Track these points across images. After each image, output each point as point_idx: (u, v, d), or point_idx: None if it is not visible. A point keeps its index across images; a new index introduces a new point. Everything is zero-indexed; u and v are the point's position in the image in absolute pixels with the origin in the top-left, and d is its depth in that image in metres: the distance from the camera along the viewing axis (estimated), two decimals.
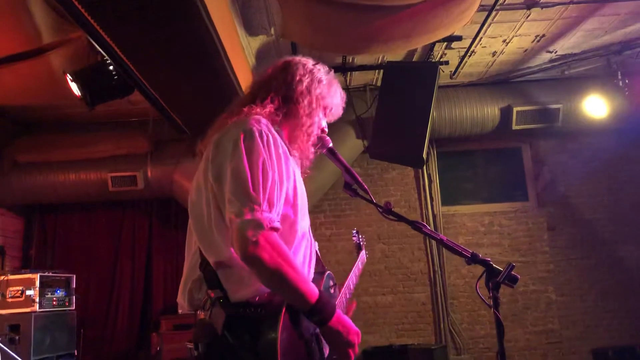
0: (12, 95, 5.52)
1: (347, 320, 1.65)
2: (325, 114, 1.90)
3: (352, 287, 2.09)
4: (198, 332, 1.62)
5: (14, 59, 4.73)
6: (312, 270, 1.80)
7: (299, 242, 1.70)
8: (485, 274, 1.62)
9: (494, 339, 7.02)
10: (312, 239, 1.85)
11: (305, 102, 1.79)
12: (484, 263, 1.61)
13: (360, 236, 2.74)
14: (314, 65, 1.90)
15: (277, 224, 1.54)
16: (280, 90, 1.80)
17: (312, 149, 1.84)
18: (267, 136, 1.63)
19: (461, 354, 7.07)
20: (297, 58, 1.91)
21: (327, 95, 1.86)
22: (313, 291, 1.56)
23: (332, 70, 1.95)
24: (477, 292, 1.65)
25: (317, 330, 1.63)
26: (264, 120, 1.68)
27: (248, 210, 1.51)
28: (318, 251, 1.96)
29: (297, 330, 1.56)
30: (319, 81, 1.85)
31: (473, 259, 1.63)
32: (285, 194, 1.64)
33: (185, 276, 1.71)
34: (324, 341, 1.67)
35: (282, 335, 1.49)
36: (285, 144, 1.74)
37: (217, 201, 1.61)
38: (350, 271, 2.17)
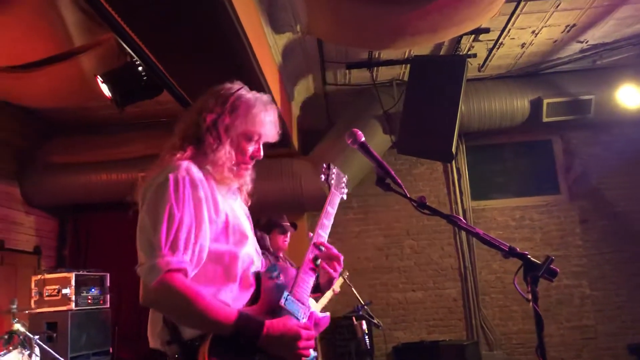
0: (45, 98, 5.63)
1: (283, 326, 1.63)
2: (249, 140, 1.87)
3: (320, 241, 1.92)
4: None
5: (46, 63, 4.83)
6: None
7: (235, 267, 1.73)
8: (522, 268, 1.58)
9: (526, 334, 6.97)
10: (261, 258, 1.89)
11: (211, 139, 1.80)
12: (522, 257, 1.58)
13: (330, 170, 2.14)
14: (232, 93, 1.87)
15: (177, 265, 1.56)
16: (193, 133, 1.83)
17: (238, 178, 1.85)
18: (183, 179, 1.66)
19: (493, 350, 7.00)
20: (216, 89, 1.91)
21: (241, 123, 1.84)
22: (227, 315, 1.58)
23: (260, 94, 1.92)
24: (515, 286, 1.63)
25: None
26: (184, 165, 1.71)
27: (147, 259, 1.58)
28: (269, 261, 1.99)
29: (228, 355, 1.58)
30: (232, 110, 1.83)
31: (510, 253, 1.61)
32: (211, 230, 1.69)
33: (150, 321, 1.76)
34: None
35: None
36: (214, 180, 1.78)
37: None
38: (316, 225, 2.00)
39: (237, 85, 1.92)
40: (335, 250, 1.91)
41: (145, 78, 4.79)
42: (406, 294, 7.24)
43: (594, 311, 7.02)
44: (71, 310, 5.60)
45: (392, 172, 1.88)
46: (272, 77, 4.97)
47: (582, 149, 7.44)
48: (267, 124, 1.88)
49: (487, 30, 5.62)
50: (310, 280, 1.85)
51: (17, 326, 4.67)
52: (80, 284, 5.82)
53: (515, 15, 5.30)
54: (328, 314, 1.99)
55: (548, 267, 1.55)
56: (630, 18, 5.60)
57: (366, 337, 4.83)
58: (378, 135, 6.65)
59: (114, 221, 7.60)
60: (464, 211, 7.33)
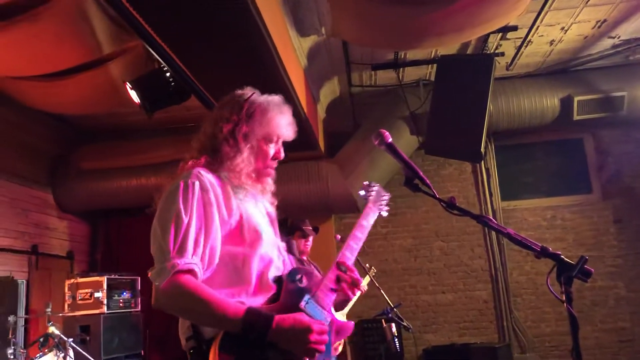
0: (75, 105, 5.75)
1: (293, 320, 1.62)
2: (269, 143, 1.89)
3: (344, 261, 1.91)
4: None
5: (77, 70, 4.93)
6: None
7: (249, 268, 1.73)
8: (556, 268, 1.55)
9: (560, 336, 6.84)
10: (285, 257, 1.91)
11: (227, 148, 1.83)
12: (555, 257, 1.55)
13: (370, 187, 2.21)
14: (246, 100, 1.89)
15: (185, 267, 1.60)
16: (209, 142, 1.87)
17: (258, 183, 1.88)
18: (193, 185, 1.70)
19: (526, 353, 6.88)
20: (229, 97, 1.94)
21: (260, 127, 1.86)
22: (235, 311, 1.59)
23: (271, 97, 1.94)
24: (549, 287, 1.59)
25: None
26: (195, 171, 1.74)
27: (157, 262, 1.64)
28: (294, 263, 1.97)
29: (239, 352, 1.59)
30: (248, 117, 1.85)
31: (543, 253, 1.57)
32: (224, 231, 1.71)
33: (180, 323, 1.79)
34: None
35: None
36: (231, 185, 1.80)
37: None
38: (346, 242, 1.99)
39: (248, 91, 1.94)
40: (357, 275, 1.91)
41: (173, 84, 4.86)
42: (436, 296, 7.17)
43: (630, 313, 6.85)
44: (103, 313, 5.70)
45: (421, 173, 1.86)
46: (297, 80, 4.98)
47: (615, 147, 7.27)
48: (284, 126, 1.91)
49: (514, 28, 5.54)
50: (332, 296, 1.85)
51: (52, 329, 4.77)
52: (112, 288, 5.92)
53: (543, 12, 5.21)
54: (352, 322, 1.97)
55: (582, 267, 1.51)
56: None
57: (396, 339, 4.80)
58: (405, 136, 6.61)
59: (145, 225, 7.64)
60: (494, 212, 7.24)
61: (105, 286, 5.79)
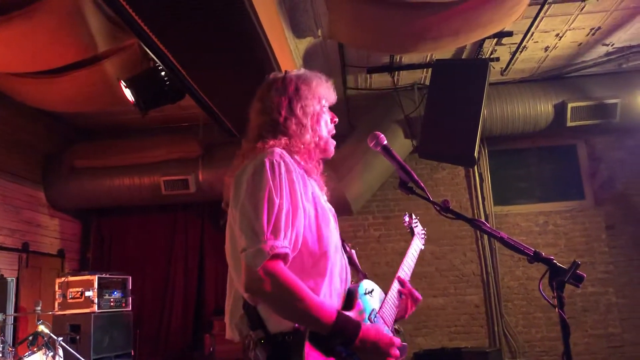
0: (69, 103, 5.72)
1: (377, 332, 1.61)
2: (323, 107, 1.94)
3: (403, 279, 2.02)
4: None
5: (71, 68, 4.91)
6: (347, 282, 1.80)
7: (326, 259, 1.69)
8: (548, 273, 1.55)
9: (550, 342, 6.86)
10: (343, 251, 1.87)
11: (293, 126, 1.82)
12: (547, 262, 1.56)
13: (413, 219, 2.51)
14: (282, 80, 1.89)
15: (282, 250, 1.55)
16: (275, 128, 1.83)
17: (327, 154, 1.93)
18: (279, 164, 1.66)
19: (516, 357, 6.90)
20: (265, 84, 1.93)
21: (311, 96, 1.89)
22: (328, 314, 1.55)
23: (302, 69, 1.98)
24: (541, 292, 1.60)
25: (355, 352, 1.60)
26: (277, 150, 1.72)
27: (251, 243, 1.55)
28: (356, 258, 1.98)
29: (325, 353, 1.54)
30: (295, 92, 1.86)
31: (536, 257, 1.58)
32: (305, 216, 1.67)
33: (230, 311, 1.72)
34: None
35: None
36: (303, 169, 1.78)
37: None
38: (401, 261, 2.09)
39: (279, 73, 1.95)
40: (417, 293, 2.00)
41: (168, 83, 4.85)
42: (427, 300, 7.17)
43: (620, 319, 6.88)
44: (94, 312, 5.67)
45: (415, 176, 1.87)
46: None
47: (608, 154, 7.31)
48: (328, 88, 1.97)
49: (510, 34, 5.57)
50: (394, 313, 1.88)
51: (42, 328, 4.74)
52: (103, 287, 5.90)
53: (538, 19, 5.24)
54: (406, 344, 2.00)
55: (574, 272, 1.52)
56: None
57: None
58: (399, 140, 6.62)
59: (137, 225, 7.73)
60: (487, 216, 7.26)
61: (96, 285, 5.77)
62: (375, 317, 1.75)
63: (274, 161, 1.66)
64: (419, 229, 2.43)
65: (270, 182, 1.62)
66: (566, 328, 1.50)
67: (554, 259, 1.56)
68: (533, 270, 6.90)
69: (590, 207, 7.23)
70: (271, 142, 1.77)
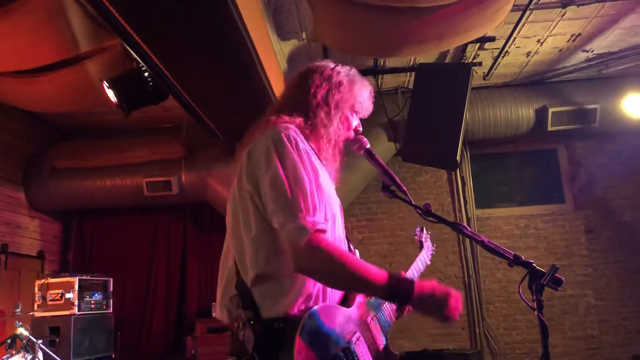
0: (50, 103, 5.65)
1: (430, 284, 1.61)
2: (354, 113, 1.90)
3: (415, 273, 2.18)
4: (234, 349, 1.63)
5: (53, 68, 4.86)
6: None
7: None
8: (528, 277, 1.58)
9: (531, 344, 6.93)
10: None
11: (322, 114, 1.80)
12: (527, 265, 1.58)
13: (424, 233, 2.64)
14: (332, 69, 1.88)
15: (322, 226, 1.55)
16: (299, 107, 1.82)
17: (338, 157, 1.85)
18: (295, 140, 1.65)
19: (497, 359, 6.96)
20: (315, 65, 1.92)
21: (349, 97, 1.86)
22: (381, 276, 1.57)
23: (353, 69, 1.95)
24: (520, 295, 1.62)
25: (349, 345, 1.60)
26: (292, 127, 1.70)
27: (291, 219, 1.53)
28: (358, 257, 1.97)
29: (315, 350, 1.52)
30: (338, 85, 1.85)
31: (515, 261, 1.60)
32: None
33: (222, 292, 1.70)
34: (359, 352, 1.64)
35: (300, 356, 1.47)
36: (315, 154, 1.76)
37: (258, 213, 1.62)
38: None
39: (330, 62, 1.94)
40: None
41: (151, 84, 4.81)
42: None
43: (598, 321, 6.97)
44: (74, 314, 5.60)
45: (398, 180, 1.88)
46: (277, 84, 4.98)
47: (588, 158, 7.41)
48: (368, 98, 1.94)
49: (492, 39, 5.63)
50: (394, 311, 1.94)
51: (21, 330, 4.68)
52: (84, 289, 5.83)
53: (520, 24, 5.31)
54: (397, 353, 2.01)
55: (553, 276, 1.55)
56: (637, 27, 5.59)
57: None
58: (382, 143, 6.65)
59: (118, 226, 7.66)
60: (468, 219, 7.31)
61: (76, 287, 5.70)
62: (381, 312, 1.82)
63: (291, 136, 1.65)
64: (428, 243, 2.53)
65: (296, 157, 1.61)
66: (545, 331, 1.53)
67: (533, 263, 1.58)
68: (514, 273, 6.96)
69: (570, 211, 7.33)
70: (286, 118, 1.76)
